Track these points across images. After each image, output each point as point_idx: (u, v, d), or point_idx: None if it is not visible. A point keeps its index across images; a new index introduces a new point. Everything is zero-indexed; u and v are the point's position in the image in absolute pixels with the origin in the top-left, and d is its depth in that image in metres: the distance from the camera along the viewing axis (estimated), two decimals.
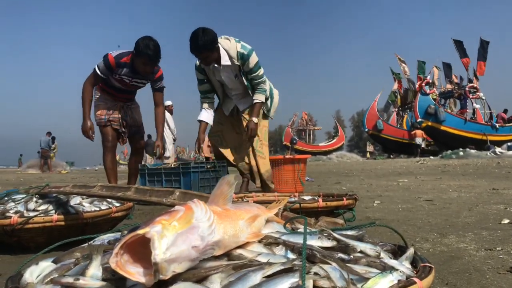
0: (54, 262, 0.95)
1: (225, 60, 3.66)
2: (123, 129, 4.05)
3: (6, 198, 2.23)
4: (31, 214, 2.00)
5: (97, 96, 3.98)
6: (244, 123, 4.00)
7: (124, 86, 3.89)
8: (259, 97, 3.78)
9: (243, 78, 3.78)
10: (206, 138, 4.25)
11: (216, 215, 0.83)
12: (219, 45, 3.60)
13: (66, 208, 2.12)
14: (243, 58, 3.65)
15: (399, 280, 0.77)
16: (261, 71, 3.75)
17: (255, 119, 3.74)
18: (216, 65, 3.69)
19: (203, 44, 3.46)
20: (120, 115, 4.00)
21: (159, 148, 4.00)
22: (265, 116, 4.12)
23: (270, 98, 4.07)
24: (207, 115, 3.91)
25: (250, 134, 3.75)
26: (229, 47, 3.64)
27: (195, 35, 3.48)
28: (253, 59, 3.67)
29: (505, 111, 24.66)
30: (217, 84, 3.93)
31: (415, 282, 0.76)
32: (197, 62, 3.79)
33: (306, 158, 5.03)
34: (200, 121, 3.89)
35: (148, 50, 3.56)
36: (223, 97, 4.09)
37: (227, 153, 4.10)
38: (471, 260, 1.70)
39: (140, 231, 0.70)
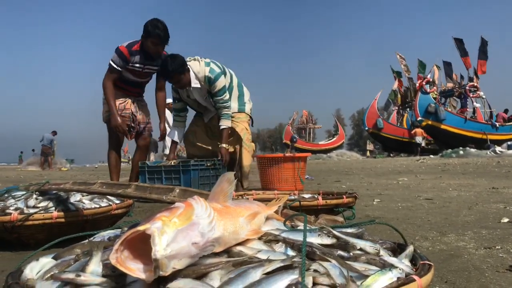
0: (54, 258, 0.96)
1: (194, 83, 3.90)
2: (133, 125, 4.12)
3: (6, 195, 2.23)
4: (31, 211, 2.00)
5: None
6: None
7: (136, 76, 4.02)
8: (225, 123, 4.00)
9: (210, 99, 4.02)
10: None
11: (216, 212, 0.83)
12: (189, 67, 3.83)
13: (66, 205, 2.12)
14: (210, 82, 3.87)
15: (398, 278, 0.77)
16: (226, 96, 3.96)
17: (225, 145, 3.99)
18: (187, 87, 3.92)
19: (173, 69, 3.69)
20: (131, 110, 4.08)
21: (163, 132, 4.32)
22: (247, 115, 4.34)
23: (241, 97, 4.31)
24: (177, 135, 4.21)
25: (225, 161, 4.03)
26: (198, 70, 3.87)
27: (164, 62, 3.74)
28: (220, 83, 3.88)
29: (506, 110, 24.67)
30: (191, 102, 4.17)
31: (414, 280, 0.76)
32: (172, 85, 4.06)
33: (306, 157, 5.02)
34: (173, 142, 4.23)
35: (158, 30, 3.75)
36: (202, 110, 4.30)
37: (197, 148, 4.33)
38: (471, 258, 1.70)
39: (141, 228, 0.71)
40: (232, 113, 4.13)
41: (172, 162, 3.92)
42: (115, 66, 3.85)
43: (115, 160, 4.10)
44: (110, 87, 3.89)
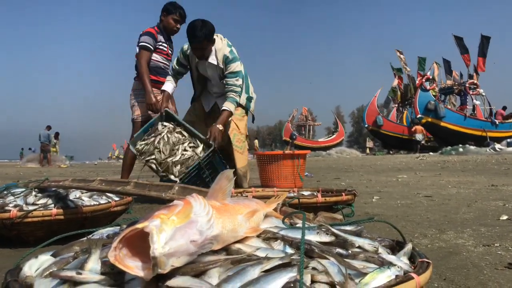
0: (53, 255, 0.96)
1: (212, 59, 3.70)
2: None
3: (5, 192, 2.23)
4: (31, 208, 2.00)
5: (137, 91, 4.09)
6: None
7: (164, 57, 4.10)
8: (228, 106, 3.64)
9: (222, 79, 3.79)
10: None
11: (215, 209, 0.83)
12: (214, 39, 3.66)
13: (66, 202, 2.13)
14: (227, 61, 3.68)
15: (396, 276, 0.77)
16: (238, 81, 3.70)
17: (220, 126, 3.52)
18: (204, 59, 3.72)
19: (204, 34, 3.51)
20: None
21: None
22: (245, 110, 4.03)
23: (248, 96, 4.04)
24: (170, 86, 3.91)
25: (211, 138, 3.46)
26: (219, 47, 3.69)
27: (194, 25, 3.52)
28: (236, 66, 3.68)
29: (504, 108, 24.66)
30: (196, 76, 3.95)
31: (412, 278, 0.76)
32: (185, 47, 3.81)
33: (306, 154, 5.03)
34: (163, 91, 3.89)
35: (179, 8, 3.99)
36: (202, 91, 4.09)
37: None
38: (469, 256, 1.70)
39: (139, 225, 0.70)
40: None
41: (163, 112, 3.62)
42: (146, 44, 3.94)
43: (131, 158, 3.98)
44: (144, 67, 3.91)
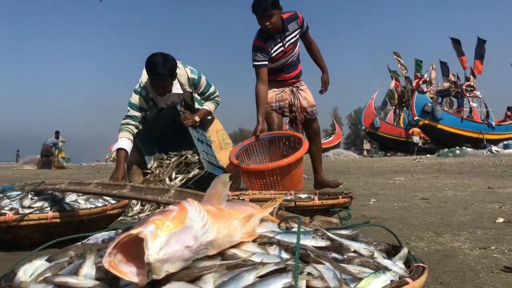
0: (48, 260, 0.95)
1: (176, 88, 3.47)
2: (294, 114, 4.08)
3: (1, 195, 2.22)
4: (26, 211, 1.99)
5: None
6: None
7: (284, 57, 3.91)
8: (209, 106, 3.64)
9: (191, 99, 3.65)
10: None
11: (210, 214, 0.83)
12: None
13: (62, 205, 2.12)
14: (194, 83, 3.54)
15: (392, 281, 0.77)
16: (212, 88, 3.63)
17: (197, 117, 3.48)
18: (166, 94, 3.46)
19: (167, 71, 3.20)
20: (288, 100, 4.05)
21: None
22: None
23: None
24: (129, 144, 3.34)
25: (185, 119, 3.37)
26: (179, 74, 3.43)
27: (155, 62, 3.17)
28: (203, 81, 3.57)
29: (509, 108, 24.77)
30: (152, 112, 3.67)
31: (407, 283, 0.76)
32: (143, 91, 3.44)
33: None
34: (120, 149, 3.29)
35: (254, 5, 3.67)
36: None
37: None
38: (465, 259, 1.71)
39: (134, 231, 0.70)
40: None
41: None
42: (259, 63, 3.79)
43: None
44: (260, 91, 3.75)
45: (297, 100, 4.10)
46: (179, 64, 3.43)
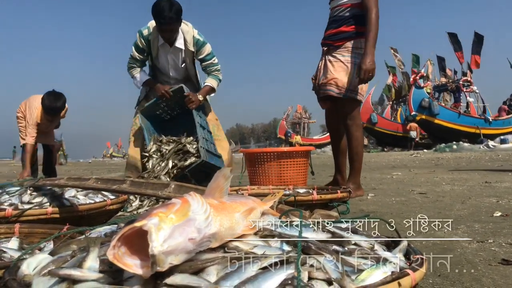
0: (51, 254, 0.96)
1: (179, 43, 3.43)
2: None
3: (0, 191, 2.22)
4: (26, 206, 1.99)
5: None
6: None
7: None
8: (211, 82, 3.55)
9: (193, 65, 3.61)
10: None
11: (213, 207, 0.84)
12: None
13: (61, 201, 2.12)
14: (198, 44, 3.46)
15: (392, 272, 0.78)
16: (215, 59, 3.55)
17: (200, 97, 3.43)
18: (171, 41, 3.41)
19: (175, 14, 3.18)
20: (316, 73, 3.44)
21: None
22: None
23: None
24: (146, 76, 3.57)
25: (189, 101, 3.36)
26: (186, 30, 3.42)
27: (162, 5, 3.16)
28: (208, 47, 3.49)
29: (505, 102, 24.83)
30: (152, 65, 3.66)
31: (408, 274, 0.77)
32: (145, 32, 3.42)
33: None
34: (147, 80, 3.53)
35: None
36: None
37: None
38: (463, 252, 1.72)
39: (138, 224, 0.71)
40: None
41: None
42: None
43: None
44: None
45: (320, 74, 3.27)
46: (188, 24, 3.43)
